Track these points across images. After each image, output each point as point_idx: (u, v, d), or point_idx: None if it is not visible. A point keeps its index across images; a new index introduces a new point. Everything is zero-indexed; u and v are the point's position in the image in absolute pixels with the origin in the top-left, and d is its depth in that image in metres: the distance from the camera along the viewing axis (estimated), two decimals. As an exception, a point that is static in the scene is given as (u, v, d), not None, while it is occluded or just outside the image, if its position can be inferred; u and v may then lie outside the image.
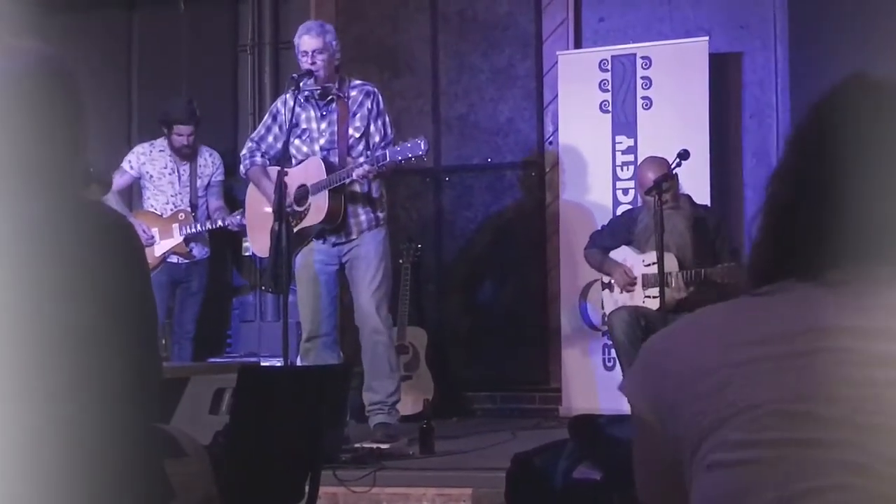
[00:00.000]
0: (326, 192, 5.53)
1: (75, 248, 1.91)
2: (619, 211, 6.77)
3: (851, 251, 1.32)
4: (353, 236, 5.64)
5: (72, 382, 1.85)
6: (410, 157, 5.41)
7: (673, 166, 5.85)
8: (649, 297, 5.97)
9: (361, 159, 5.59)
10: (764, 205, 1.42)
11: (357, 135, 5.63)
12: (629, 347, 5.76)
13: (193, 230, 7.11)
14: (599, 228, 6.45)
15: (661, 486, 1.43)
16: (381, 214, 5.70)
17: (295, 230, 5.62)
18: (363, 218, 5.65)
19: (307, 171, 5.62)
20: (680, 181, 6.04)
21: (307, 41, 5.58)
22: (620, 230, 6.25)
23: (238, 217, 6.87)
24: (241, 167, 5.86)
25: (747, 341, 1.31)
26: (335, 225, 5.60)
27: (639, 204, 6.48)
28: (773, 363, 1.28)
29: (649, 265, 5.96)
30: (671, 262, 5.84)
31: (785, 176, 1.40)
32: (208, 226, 7.13)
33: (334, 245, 5.66)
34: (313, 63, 5.53)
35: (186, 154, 7.18)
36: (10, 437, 1.80)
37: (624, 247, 6.17)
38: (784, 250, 1.37)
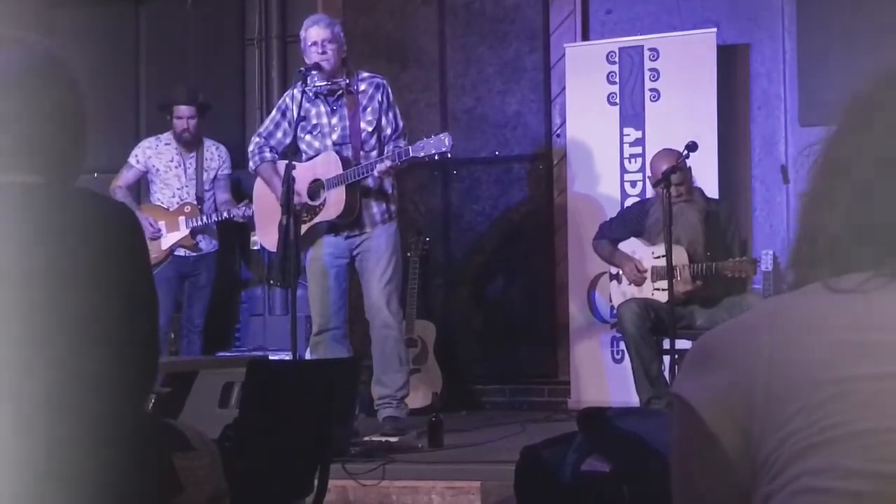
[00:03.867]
0: (343, 187, 5.52)
1: (75, 237, 1.92)
2: (628, 203, 6.76)
3: None
4: (366, 229, 5.63)
5: (73, 374, 1.85)
6: (434, 154, 5.39)
7: (681, 159, 5.84)
8: (658, 289, 5.96)
9: (374, 153, 5.58)
10: (825, 178, 1.23)
11: (369, 129, 5.62)
12: (639, 339, 5.76)
13: (199, 223, 7.11)
14: (608, 219, 6.44)
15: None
16: (392, 208, 5.69)
17: (308, 225, 5.62)
18: (375, 211, 5.64)
19: (320, 166, 5.61)
20: (693, 174, 6.02)
21: (317, 31, 5.55)
22: (631, 221, 6.24)
23: (244, 208, 6.88)
24: (251, 163, 5.84)
25: (861, 352, 1.11)
26: (351, 220, 5.60)
27: (647, 196, 6.48)
28: (887, 383, 1.09)
29: (658, 257, 5.95)
30: (681, 255, 5.83)
31: (853, 147, 1.21)
32: (214, 217, 7.12)
33: (346, 238, 5.66)
34: (323, 53, 5.51)
35: (188, 141, 7.15)
36: (13, 431, 1.80)
37: (633, 238, 6.16)
38: (860, 235, 1.18)
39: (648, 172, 6.21)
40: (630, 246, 6.16)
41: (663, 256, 5.78)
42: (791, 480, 1.10)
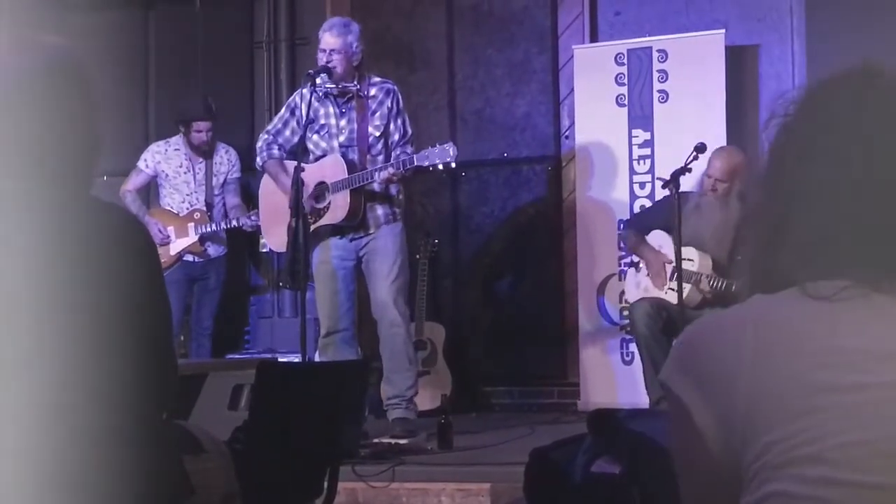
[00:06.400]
0: (348, 191, 5.54)
1: (87, 246, 1.91)
2: (637, 205, 6.76)
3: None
4: (371, 230, 5.65)
5: (87, 380, 1.85)
6: (438, 164, 5.40)
7: (689, 160, 5.80)
8: (672, 289, 5.90)
9: (381, 158, 5.60)
10: (781, 189, 1.28)
11: (377, 133, 5.64)
12: (650, 339, 5.74)
13: (209, 230, 7.11)
14: (643, 208, 6.41)
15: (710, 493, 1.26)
16: (397, 209, 5.71)
17: (314, 227, 5.63)
18: (380, 212, 5.66)
19: (326, 169, 5.63)
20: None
21: (327, 39, 5.59)
22: (667, 211, 6.00)
23: (254, 218, 6.88)
24: (258, 159, 5.87)
25: (834, 363, 1.15)
26: (355, 222, 5.62)
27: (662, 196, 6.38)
28: (865, 394, 1.13)
29: (683, 260, 5.82)
30: (706, 264, 5.78)
31: (809, 156, 1.28)
32: (223, 225, 7.12)
33: (352, 240, 5.68)
34: (329, 61, 5.54)
35: (205, 151, 7.18)
36: (27, 435, 1.80)
37: (663, 232, 6.02)
38: (825, 246, 1.22)
39: (709, 170, 6.01)
40: (657, 239, 6.08)
41: (686, 260, 5.72)
42: (772, 494, 1.12)
